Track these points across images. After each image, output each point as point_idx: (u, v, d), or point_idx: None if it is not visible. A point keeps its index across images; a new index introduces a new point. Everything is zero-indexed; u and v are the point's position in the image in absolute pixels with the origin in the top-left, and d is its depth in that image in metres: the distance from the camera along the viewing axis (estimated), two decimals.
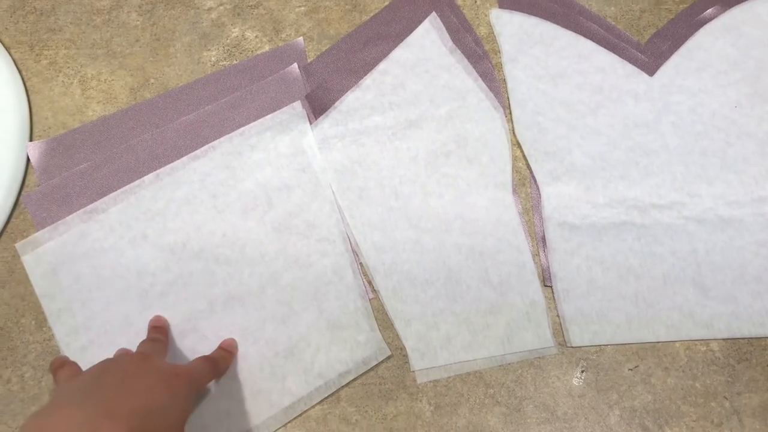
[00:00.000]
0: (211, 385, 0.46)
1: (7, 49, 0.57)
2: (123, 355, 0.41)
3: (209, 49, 0.57)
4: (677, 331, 0.47)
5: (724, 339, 0.47)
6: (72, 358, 0.47)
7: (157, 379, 0.38)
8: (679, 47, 0.56)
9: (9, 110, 0.53)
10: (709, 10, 0.57)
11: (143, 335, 0.47)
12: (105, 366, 0.39)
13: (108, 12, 0.58)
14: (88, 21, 0.58)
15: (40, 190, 0.52)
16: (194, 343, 0.48)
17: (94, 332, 0.48)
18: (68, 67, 0.57)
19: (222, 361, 0.46)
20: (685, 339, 0.47)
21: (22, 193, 0.52)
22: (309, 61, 0.56)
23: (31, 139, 0.54)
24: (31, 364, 0.48)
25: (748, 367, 0.46)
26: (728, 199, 0.50)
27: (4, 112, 0.53)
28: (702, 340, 0.47)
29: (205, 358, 0.44)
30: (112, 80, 0.56)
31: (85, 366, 0.47)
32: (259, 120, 0.53)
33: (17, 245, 0.50)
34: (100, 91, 0.56)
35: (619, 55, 0.55)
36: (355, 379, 0.47)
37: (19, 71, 0.56)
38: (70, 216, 0.51)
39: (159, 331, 0.47)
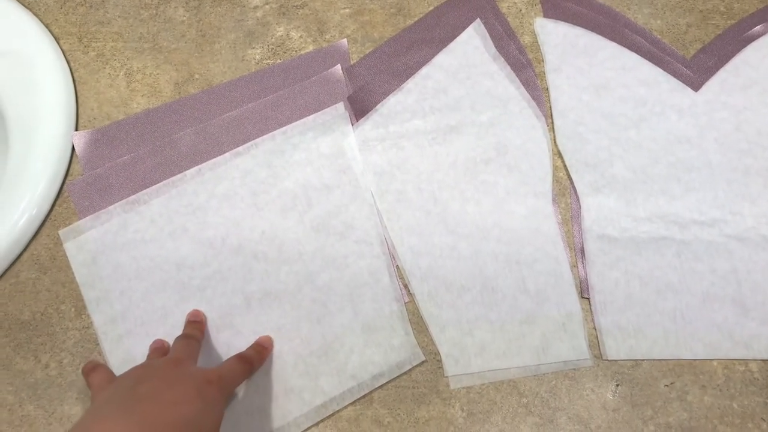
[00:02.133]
0: (245, 381, 0.47)
1: (57, 39, 0.58)
2: (155, 362, 0.41)
3: (254, 47, 0.57)
4: (715, 349, 0.46)
5: (763, 360, 0.46)
6: (109, 347, 0.48)
7: (190, 387, 0.38)
8: (725, 63, 0.55)
9: (57, 100, 0.54)
10: (757, 27, 0.56)
11: (180, 327, 0.48)
12: (139, 374, 0.40)
13: (155, 7, 0.59)
14: (136, 15, 0.59)
15: (84, 179, 0.53)
16: (230, 338, 0.48)
17: (131, 322, 0.49)
18: (115, 60, 0.57)
19: (257, 359, 0.46)
20: (723, 358, 0.46)
21: (66, 181, 0.53)
22: (352, 62, 0.57)
23: (76, 129, 0.55)
24: (69, 351, 0.48)
25: None
26: None
27: (52, 101, 0.54)
28: (741, 360, 0.46)
29: (239, 357, 0.45)
30: (157, 74, 0.57)
31: (119, 360, 0.48)
32: (302, 120, 0.53)
33: (60, 232, 0.51)
34: (145, 85, 0.56)
35: (664, 69, 0.55)
36: (388, 382, 0.47)
37: (68, 62, 0.57)
38: (112, 206, 0.51)
39: (195, 327, 0.47)
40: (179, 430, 0.36)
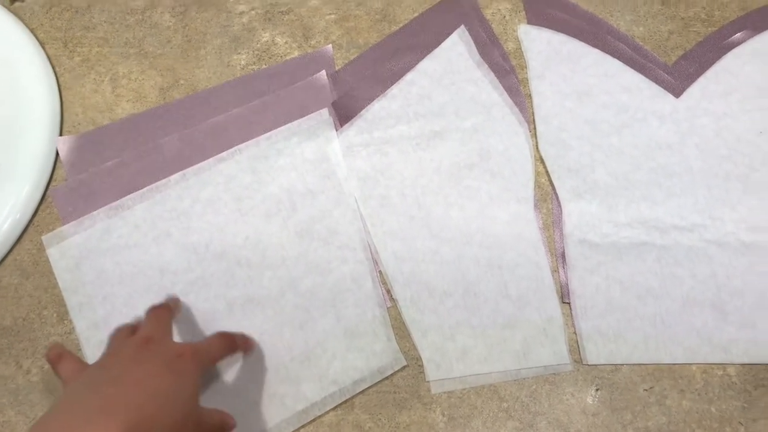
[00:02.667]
0: (226, 386, 0.47)
1: (42, 44, 0.58)
2: (125, 343, 0.40)
3: (239, 53, 0.58)
4: (694, 353, 0.47)
5: (741, 364, 0.46)
6: (91, 353, 0.48)
7: (158, 363, 0.37)
8: (706, 70, 0.56)
9: (41, 105, 0.54)
10: (738, 35, 0.57)
11: None
12: (106, 360, 0.39)
13: (141, 12, 0.59)
14: (122, 20, 0.59)
15: (67, 185, 0.53)
16: None
17: (114, 328, 0.48)
18: (100, 65, 0.58)
19: (242, 342, 0.45)
20: (702, 362, 0.47)
21: (50, 186, 0.53)
22: (337, 68, 0.57)
23: (60, 134, 0.55)
24: None
25: (765, 394, 0.46)
26: (750, 224, 0.50)
27: (36, 106, 0.54)
28: (719, 364, 0.47)
29: (222, 334, 0.44)
30: (143, 80, 0.57)
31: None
32: (287, 125, 0.53)
33: (43, 238, 0.51)
34: (130, 90, 0.57)
35: (646, 76, 0.55)
36: (369, 387, 0.47)
37: (53, 67, 0.57)
38: (96, 211, 0.51)
39: (171, 299, 0.47)
40: (145, 408, 0.34)
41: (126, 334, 0.42)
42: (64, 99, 0.56)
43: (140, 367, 0.37)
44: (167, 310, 0.44)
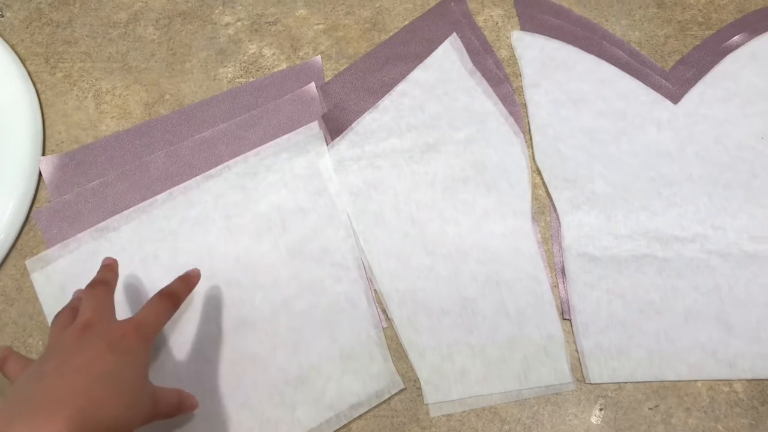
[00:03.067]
0: (218, 412, 0.45)
1: (23, 60, 0.56)
2: (64, 333, 0.39)
3: (226, 66, 0.56)
4: (699, 369, 0.46)
5: (748, 380, 0.45)
6: None
7: (100, 346, 0.36)
8: (704, 75, 0.55)
9: (22, 123, 0.52)
10: (736, 38, 0.56)
11: None
12: (47, 353, 0.38)
13: (125, 25, 0.58)
14: (105, 34, 0.58)
15: (52, 207, 0.51)
16: (201, 368, 0.46)
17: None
18: (83, 81, 0.56)
19: (183, 289, 0.43)
20: (707, 378, 0.45)
21: (33, 208, 0.51)
22: (326, 80, 0.55)
23: (43, 154, 0.53)
24: None
25: None
26: (753, 233, 0.49)
27: (17, 125, 0.52)
28: (725, 380, 0.45)
29: (161, 295, 0.42)
30: (127, 95, 0.55)
31: None
32: (276, 140, 0.52)
33: (27, 262, 0.49)
34: (114, 106, 0.55)
35: (643, 82, 0.54)
36: (366, 411, 0.45)
37: (34, 84, 0.55)
38: (81, 233, 0.50)
39: (107, 270, 0.44)
40: (91, 393, 0.34)
41: (66, 320, 0.41)
42: (46, 117, 0.55)
43: (82, 354, 0.36)
44: (105, 286, 0.42)
